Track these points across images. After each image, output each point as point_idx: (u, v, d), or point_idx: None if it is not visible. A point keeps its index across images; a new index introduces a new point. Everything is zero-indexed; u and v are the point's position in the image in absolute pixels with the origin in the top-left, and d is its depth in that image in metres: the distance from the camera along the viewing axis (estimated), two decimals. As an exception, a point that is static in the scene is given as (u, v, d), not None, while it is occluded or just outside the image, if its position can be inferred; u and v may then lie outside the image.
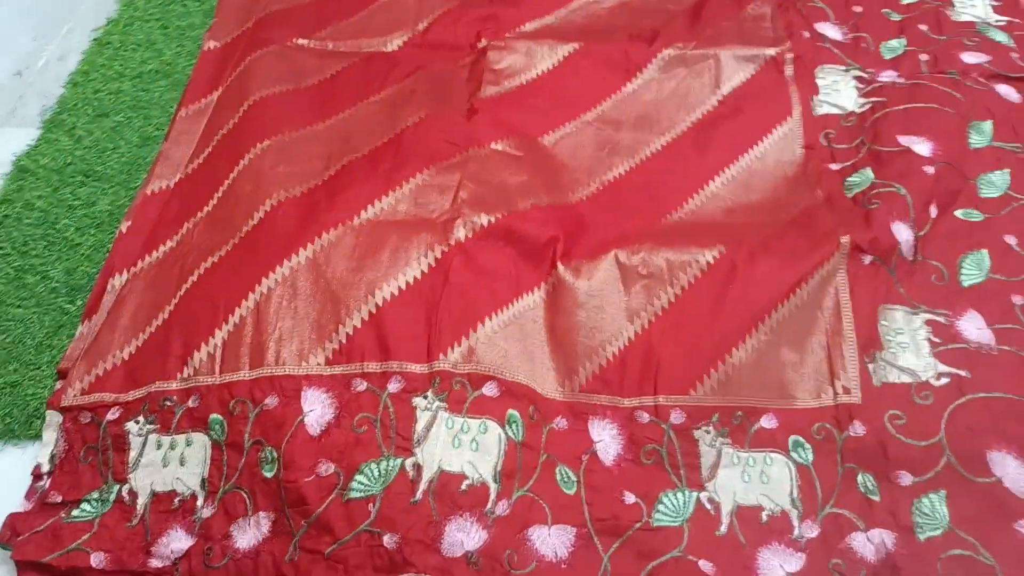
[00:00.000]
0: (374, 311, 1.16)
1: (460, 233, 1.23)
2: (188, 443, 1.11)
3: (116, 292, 1.29)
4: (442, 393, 1.11)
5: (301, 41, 1.63)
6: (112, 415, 1.15)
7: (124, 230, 1.38)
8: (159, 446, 1.12)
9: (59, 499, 1.09)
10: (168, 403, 1.15)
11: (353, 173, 1.36)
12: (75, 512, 1.08)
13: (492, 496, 1.05)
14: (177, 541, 1.04)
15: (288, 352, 1.14)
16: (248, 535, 1.05)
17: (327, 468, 1.06)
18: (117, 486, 1.10)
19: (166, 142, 1.52)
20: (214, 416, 1.12)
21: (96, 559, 1.03)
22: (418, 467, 1.05)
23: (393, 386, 1.12)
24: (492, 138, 1.41)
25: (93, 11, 1.83)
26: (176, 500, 1.08)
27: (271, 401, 1.11)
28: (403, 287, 1.19)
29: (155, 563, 1.03)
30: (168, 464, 1.10)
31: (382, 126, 1.44)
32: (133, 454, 1.12)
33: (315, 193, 1.34)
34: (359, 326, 1.16)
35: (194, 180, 1.44)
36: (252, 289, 1.20)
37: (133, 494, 1.09)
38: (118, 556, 1.04)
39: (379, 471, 1.05)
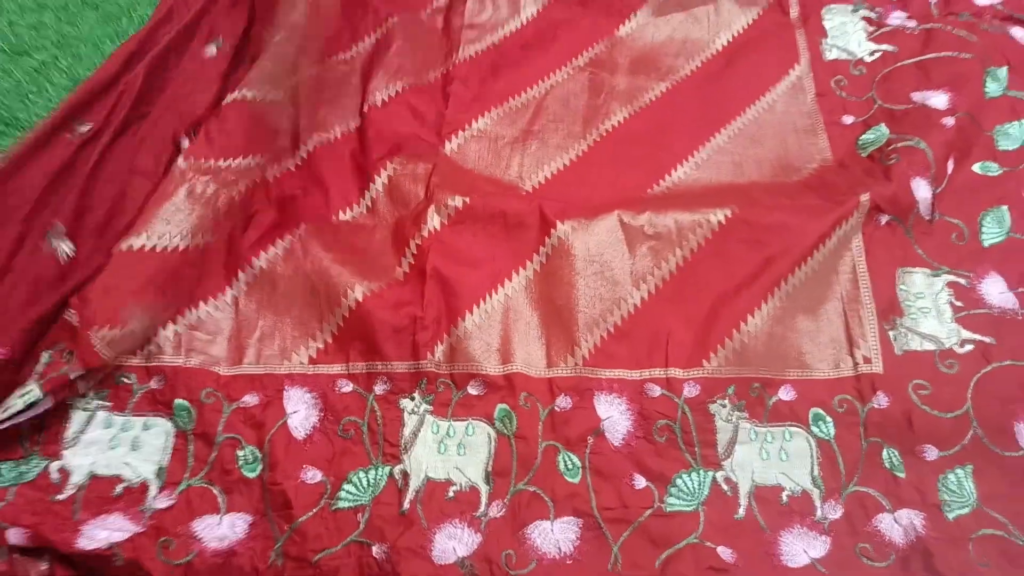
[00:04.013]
0: (354, 307, 1.07)
1: (435, 221, 1.13)
2: (146, 427, 1.00)
3: None
4: (428, 395, 1.03)
5: None
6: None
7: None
8: (108, 425, 1.00)
9: None
10: (125, 380, 1.02)
11: (325, 163, 1.25)
12: None
13: (483, 499, 0.97)
14: (115, 527, 0.93)
15: (269, 350, 1.06)
16: (218, 534, 0.94)
17: (314, 475, 0.98)
18: (44, 461, 0.97)
19: None
20: (180, 402, 1.01)
21: (14, 534, 0.90)
22: (405, 475, 0.98)
23: (379, 388, 1.04)
24: (466, 119, 1.30)
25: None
26: (119, 487, 0.96)
27: (250, 399, 1.03)
28: (384, 286, 1.09)
29: (85, 543, 0.91)
30: (116, 447, 0.98)
31: (350, 96, 1.31)
32: (73, 428, 0.99)
33: (289, 180, 1.23)
34: (342, 324, 1.07)
35: None
36: (229, 282, 1.11)
37: (65, 472, 0.96)
38: (39, 531, 0.91)
39: (368, 480, 0.98)
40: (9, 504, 0.93)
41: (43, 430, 0.98)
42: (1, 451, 0.97)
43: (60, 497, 0.95)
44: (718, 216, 1.13)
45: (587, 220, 1.13)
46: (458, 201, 1.14)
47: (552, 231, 1.12)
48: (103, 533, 0.92)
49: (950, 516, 0.97)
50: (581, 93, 1.33)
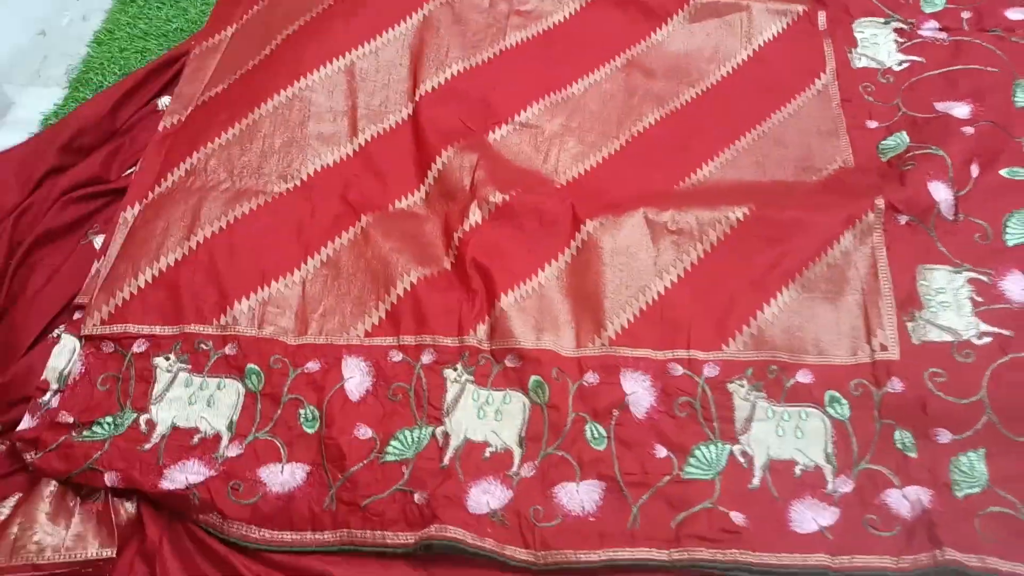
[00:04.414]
0: (409, 289, 1.20)
1: (476, 216, 1.25)
2: (220, 387, 1.13)
3: (128, 224, 1.30)
4: (471, 366, 1.13)
5: None
6: (139, 347, 1.17)
7: (137, 169, 1.38)
8: (188, 384, 1.14)
9: (70, 420, 1.11)
10: (204, 346, 1.16)
11: (382, 152, 1.37)
12: (86, 432, 1.10)
13: (516, 460, 1.07)
14: (193, 471, 1.06)
15: (331, 325, 1.19)
16: (281, 480, 1.06)
17: (365, 432, 1.09)
18: (135, 414, 1.11)
19: (180, 81, 1.50)
20: (251, 366, 1.14)
21: (109, 478, 1.05)
22: (446, 435, 1.08)
23: (426, 358, 1.15)
24: (512, 111, 1.40)
25: (116, -31, 1.82)
26: (196, 437, 1.10)
27: (312, 366, 1.15)
28: (435, 272, 1.22)
29: (167, 485, 1.04)
30: (195, 403, 1.12)
31: (402, 81, 1.44)
32: (159, 387, 1.13)
33: (348, 168, 1.36)
34: (396, 303, 1.19)
35: (207, 110, 1.43)
36: (298, 266, 1.24)
37: (151, 424, 1.11)
38: (129, 474, 1.05)
39: (412, 438, 1.08)
40: (105, 453, 1.08)
41: (132, 389, 1.13)
42: (102, 409, 1.13)
43: (147, 446, 1.09)
44: (737, 213, 1.21)
45: (614, 217, 1.23)
46: (498, 198, 1.25)
47: (582, 227, 1.23)
48: (182, 476, 1.06)
49: (959, 494, 1.01)
50: (618, 94, 1.43)
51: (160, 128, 1.43)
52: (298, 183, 1.33)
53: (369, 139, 1.39)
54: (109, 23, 1.74)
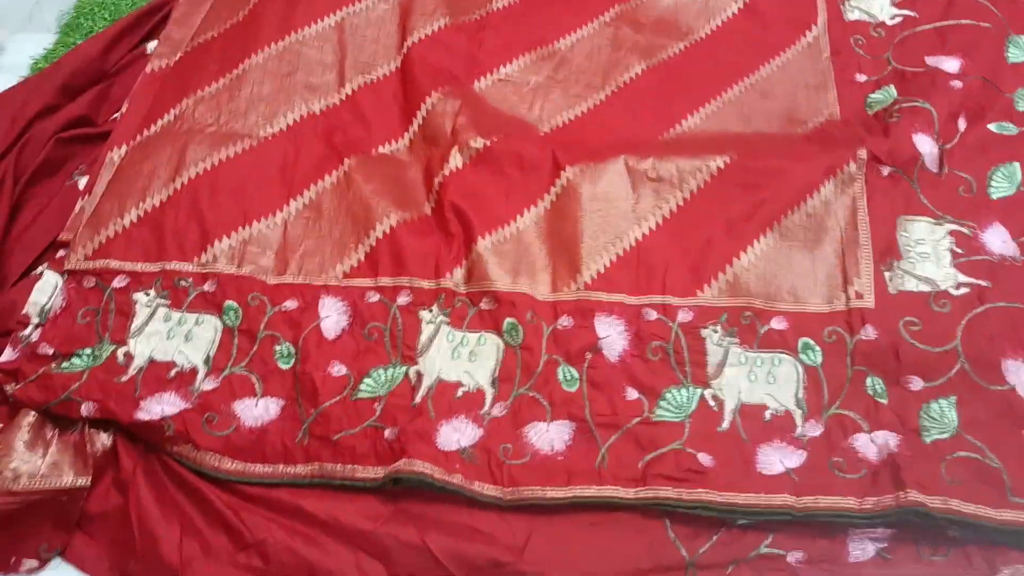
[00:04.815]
0: (388, 232, 1.20)
1: (457, 161, 1.25)
2: (198, 322, 1.15)
3: (115, 165, 1.31)
4: (446, 309, 1.14)
5: None
6: (119, 282, 1.18)
7: (124, 110, 1.39)
8: (167, 319, 1.15)
9: (50, 351, 1.12)
10: (183, 283, 1.18)
11: (368, 100, 1.38)
12: (64, 364, 1.12)
13: (488, 399, 1.08)
14: (168, 403, 1.07)
15: (310, 265, 1.20)
16: (255, 413, 1.08)
17: (339, 369, 1.10)
18: (113, 347, 1.13)
19: (169, 23, 1.51)
20: (230, 303, 1.16)
21: (85, 408, 1.07)
22: (419, 375, 1.09)
23: (402, 299, 1.15)
24: (498, 63, 1.40)
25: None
26: (173, 371, 1.11)
27: (290, 304, 1.16)
28: (415, 216, 1.22)
29: (142, 416, 1.06)
30: (172, 337, 1.13)
31: (390, 36, 1.44)
32: (138, 321, 1.15)
33: (334, 115, 1.36)
34: (375, 245, 1.20)
35: (196, 58, 1.44)
36: (280, 208, 1.25)
37: (129, 357, 1.12)
38: (106, 405, 1.07)
39: (386, 376, 1.09)
40: (83, 384, 1.10)
41: (111, 322, 1.15)
42: (81, 341, 1.14)
43: (124, 378, 1.11)
44: (717, 162, 1.21)
45: (594, 164, 1.22)
46: (479, 143, 1.25)
47: (562, 173, 1.22)
48: (158, 407, 1.07)
49: (927, 439, 1.01)
50: (604, 47, 1.42)
51: (148, 70, 1.44)
52: (284, 128, 1.34)
53: (356, 88, 1.40)
54: (100, -30, 1.73)
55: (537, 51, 1.42)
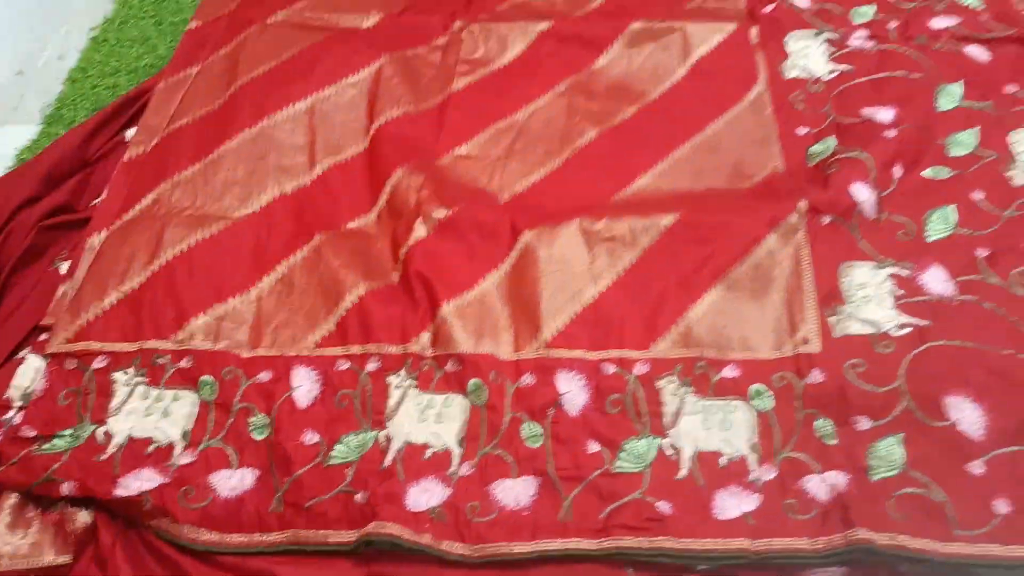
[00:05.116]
0: (357, 301, 1.26)
1: (421, 231, 1.31)
2: (175, 398, 1.19)
3: (95, 250, 1.37)
4: (413, 372, 1.19)
5: (280, 15, 1.70)
6: (99, 363, 1.23)
7: (103, 197, 1.46)
8: (145, 397, 1.20)
9: (32, 433, 1.17)
10: (160, 360, 1.23)
11: (338, 179, 1.45)
12: (46, 445, 1.16)
13: (456, 459, 1.12)
14: (146, 479, 1.11)
15: (283, 337, 1.25)
16: (230, 484, 1.12)
17: (312, 437, 1.14)
18: (93, 426, 1.17)
19: (146, 112, 1.59)
20: (206, 377, 1.21)
21: (66, 487, 1.11)
22: (388, 439, 1.14)
23: (371, 365, 1.21)
24: (459, 141, 1.48)
25: (90, 10, 1.92)
26: (151, 447, 1.15)
27: (264, 376, 1.21)
28: (382, 286, 1.28)
29: (121, 492, 1.09)
30: (151, 414, 1.18)
31: (359, 120, 1.52)
32: (117, 400, 1.19)
33: (305, 195, 1.44)
34: (344, 315, 1.25)
35: (172, 143, 1.51)
36: (253, 284, 1.30)
37: (108, 436, 1.16)
38: (85, 483, 1.11)
39: (356, 442, 1.14)
40: (64, 464, 1.14)
41: (92, 402, 1.20)
42: (62, 422, 1.19)
43: (103, 457, 1.14)
44: (667, 220, 1.28)
45: (550, 227, 1.29)
46: (441, 213, 1.32)
47: (520, 237, 1.29)
48: (136, 483, 1.11)
49: (874, 478, 1.05)
50: (559, 116, 1.50)
51: (126, 157, 1.51)
52: (257, 209, 1.40)
53: (326, 168, 1.46)
54: (83, 61, 1.83)
55: (496, 124, 1.50)
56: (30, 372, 1.23)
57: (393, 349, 1.22)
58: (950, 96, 1.45)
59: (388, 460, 1.11)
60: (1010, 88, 1.44)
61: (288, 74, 1.57)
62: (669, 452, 1.10)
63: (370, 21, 1.68)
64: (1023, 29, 1.53)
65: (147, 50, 1.82)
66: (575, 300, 1.23)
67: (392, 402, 1.17)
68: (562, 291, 1.24)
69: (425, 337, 1.22)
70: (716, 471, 1.09)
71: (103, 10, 1.93)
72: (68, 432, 1.17)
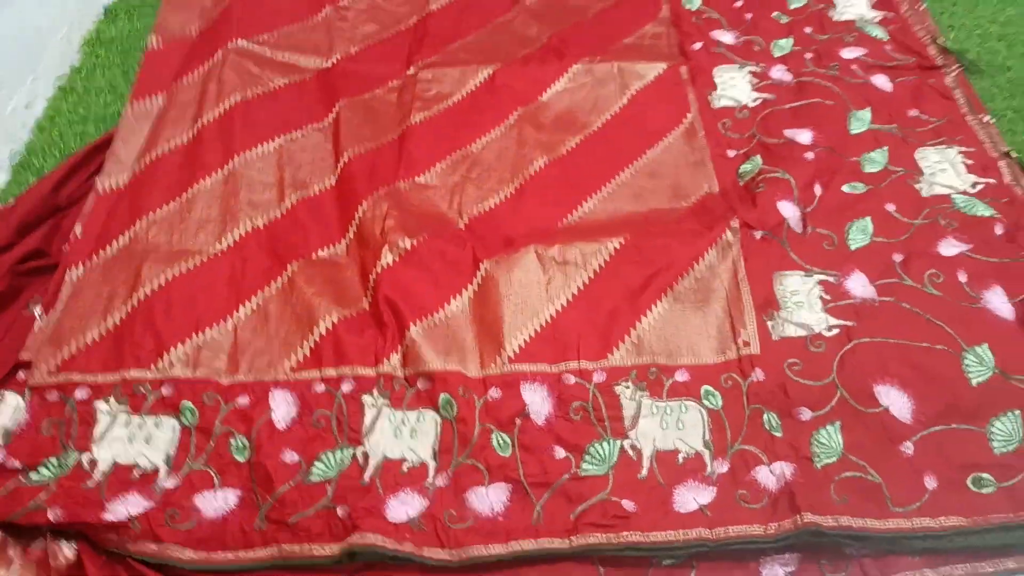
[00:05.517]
0: (330, 328, 1.32)
1: (388, 259, 1.39)
2: (157, 424, 1.24)
3: (72, 285, 1.41)
4: (386, 391, 1.26)
5: (242, 43, 1.78)
6: (81, 393, 1.26)
7: (79, 232, 1.49)
8: (127, 424, 1.24)
9: (18, 465, 1.19)
10: (141, 389, 1.27)
11: (307, 212, 1.53)
12: (33, 475, 1.19)
13: (431, 471, 1.19)
14: (133, 503, 1.15)
15: (260, 363, 1.31)
16: (214, 505, 1.16)
17: (292, 456, 1.20)
18: (77, 454, 1.21)
19: (115, 140, 1.63)
20: (186, 403, 1.25)
21: (52, 514, 1.13)
22: (366, 455, 1.20)
23: (346, 387, 1.27)
24: (419, 170, 1.58)
25: (57, 60, 1.95)
26: (136, 472, 1.19)
27: (243, 400, 1.26)
28: (353, 313, 1.35)
29: (109, 517, 1.13)
30: (134, 441, 1.22)
31: (326, 159, 1.61)
32: (100, 428, 1.23)
33: (277, 227, 1.50)
34: (318, 341, 1.32)
35: (146, 179, 1.56)
36: (230, 314, 1.36)
37: (93, 463, 1.20)
38: (73, 510, 1.14)
39: (335, 459, 1.20)
40: (52, 493, 1.16)
41: (75, 431, 1.23)
42: (46, 452, 1.21)
43: (90, 484, 1.18)
44: (614, 243, 1.40)
45: (508, 256, 1.39)
46: (407, 243, 1.41)
47: (481, 265, 1.38)
48: (123, 508, 1.15)
49: (818, 465, 1.16)
50: (511, 146, 1.62)
51: (99, 189, 1.55)
52: (231, 244, 1.46)
53: (295, 202, 1.54)
54: (51, 110, 1.86)
55: (453, 155, 1.60)
56: (9, 411, 1.25)
57: (366, 371, 1.28)
58: (860, 120, 1.61)
59: (367, 476, 1.18)
60: (912, 112, 1.61)
61: (255, 113, 1.65)
62: (630, 453, 1.19)
63: (328, 63, 1.78)
64: (922, 59, 1.72)
65: (115, 99, 1.86)
66: (535, 319, 1.33)
67: (368, 420, 1.23)
68: (522, 311, 1.33)
69: (395, 358, 1.29)
70: (674, 468, 1.18)
71: (70, 60, 1.97)
72: (53, 461, 1.20)
